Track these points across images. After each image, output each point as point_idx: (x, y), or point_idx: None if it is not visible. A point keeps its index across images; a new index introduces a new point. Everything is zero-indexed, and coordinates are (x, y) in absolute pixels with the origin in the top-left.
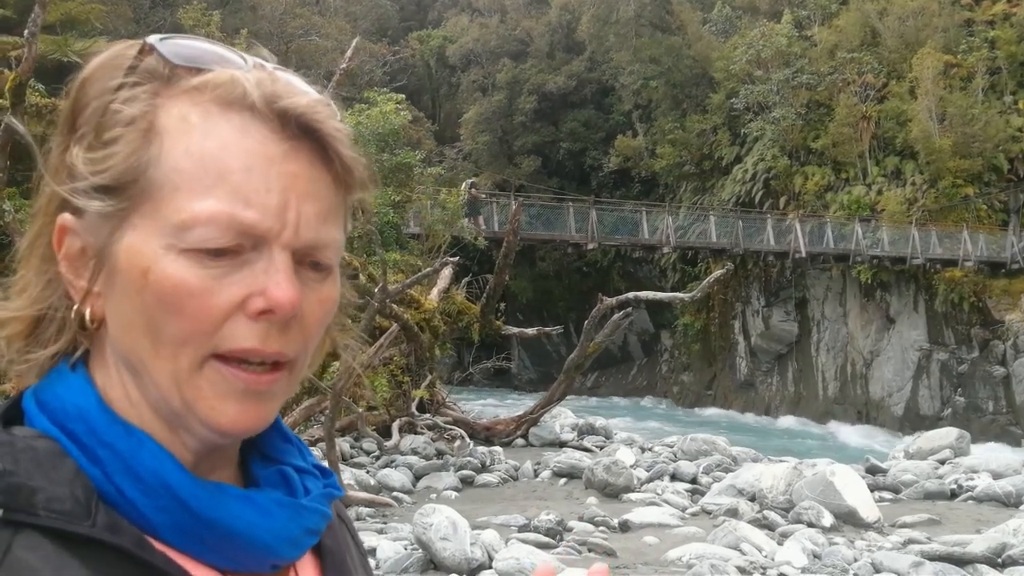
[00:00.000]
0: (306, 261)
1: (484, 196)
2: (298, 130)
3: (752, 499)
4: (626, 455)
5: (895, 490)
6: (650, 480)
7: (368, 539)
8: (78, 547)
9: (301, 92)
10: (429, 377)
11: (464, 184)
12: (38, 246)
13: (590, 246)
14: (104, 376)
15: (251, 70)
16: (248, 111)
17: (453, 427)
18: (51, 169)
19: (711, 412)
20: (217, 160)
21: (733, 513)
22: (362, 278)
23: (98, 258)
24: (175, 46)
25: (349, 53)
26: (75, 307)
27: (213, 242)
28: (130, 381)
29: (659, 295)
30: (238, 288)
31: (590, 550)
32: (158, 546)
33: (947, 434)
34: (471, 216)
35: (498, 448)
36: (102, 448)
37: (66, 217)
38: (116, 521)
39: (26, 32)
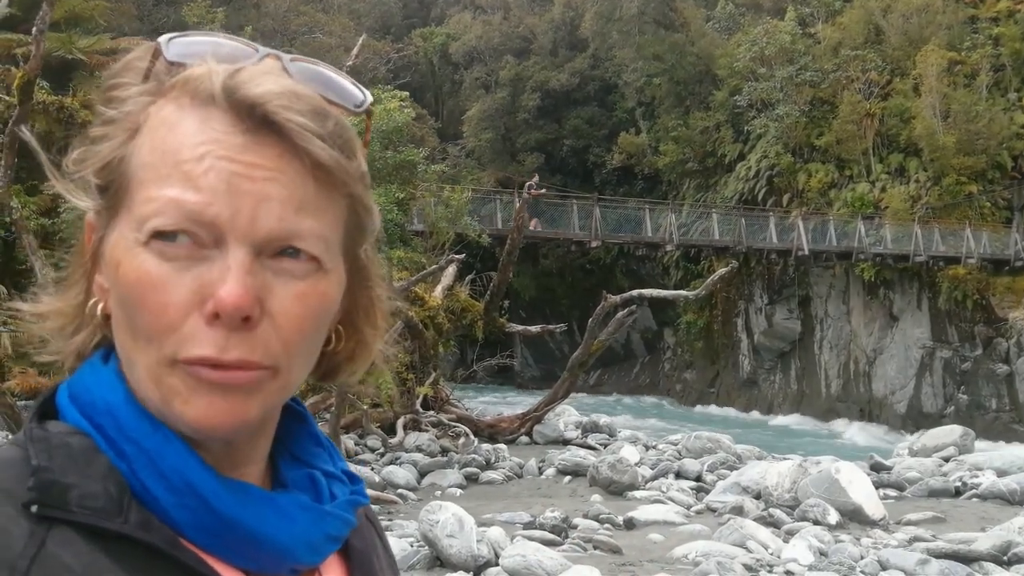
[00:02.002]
0: (280, 253)
1: (543, 191)
2: (257, 121)
3: (757, 497)
4: (630, 453)
5: (899, 487)
6: (655, 478)
7: None
8: (110, 544)
9: (266, 83)
10: (433, 374)
11: (526, 185)
12: (81, 246)
13: (593, 244)
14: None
15: (258, 62)
16: (212, 103)
17: (457, 424)
18: (64, 172)
19: (714, 410)
20: (176, 153)
21: (738, 511)
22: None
23: (101, 254)
24: (177, 44)
25: (356, 51)
26: (92, 300)
27: (162, 225)
28: (130, 375)
29: (663, 293)
30: (193, 283)
31: (596, 547)
32: (188, 545)
33: (951, 432)
34: (531, 217)
35: (502, 446)
36: (128, 443)
37: (90, 216)
38: (148, 519)
39: (34, 30)
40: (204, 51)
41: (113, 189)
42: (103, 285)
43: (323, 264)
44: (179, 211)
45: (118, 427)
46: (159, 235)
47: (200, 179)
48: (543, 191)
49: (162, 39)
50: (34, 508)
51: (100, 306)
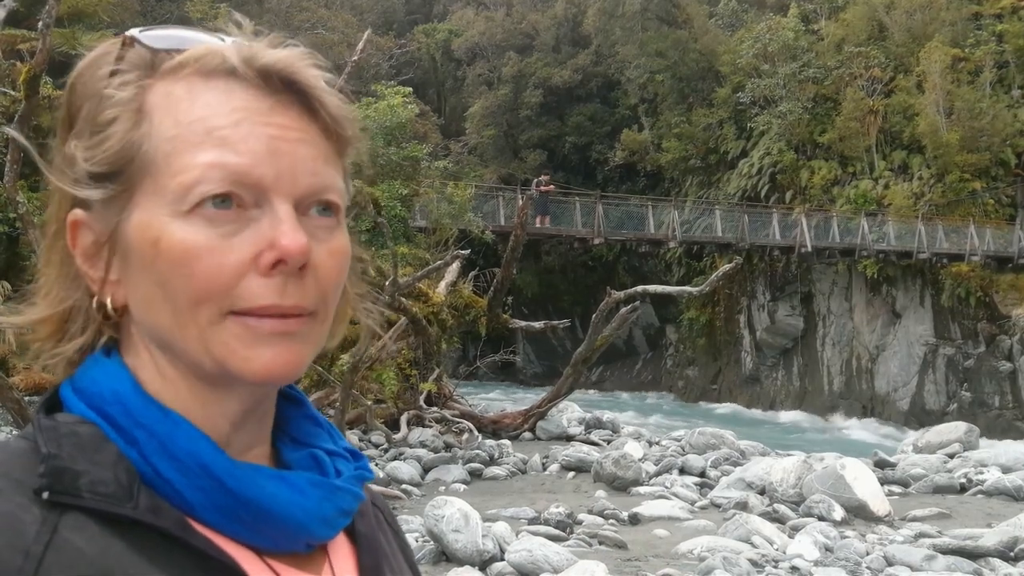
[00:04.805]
0: (312, 206)
1: (554, 188)
2: (281, 85)
3: (761, 492)
4: (634, 449)
5: (904, 484)
6: (658, 474)
7: None
8: (122, 528)
9: (276, 51)
10: (436, 371)
11: (534, 182)
12: (56, 248)
13: (596, 241)
14: (135, 360)
15: (242, 42)
16: (230, 75)
17: (461, 420)
18: (55, 170)
19: (716, 407)
20: (205, 121)
21: (743, 506)
22: (371, 272)
23: (110, 245)
24: (156, 34)
25: (360, 46)
26: (95, 298)
27: (210, 190)
28: (162, 359)
29: (667, 289)
30: (247, 246)
31: (601, 543)
32: (198, 528)
33: (956, 428)
34: (541, 214)
35: (506, 441)
36: (139, 430)
37: (76, 212)
38: (158, 503)
39: (40, 24)
40: (183, 38)
41: (129, 172)
42: (112, 279)
43: (341, 218)
44: (224, 173)
45: (128, 414)
46: (207, 200)
47: (240, 144)
48: (552, 187)
49: (132, 31)
50: (46, 494)
51: (108, 300)
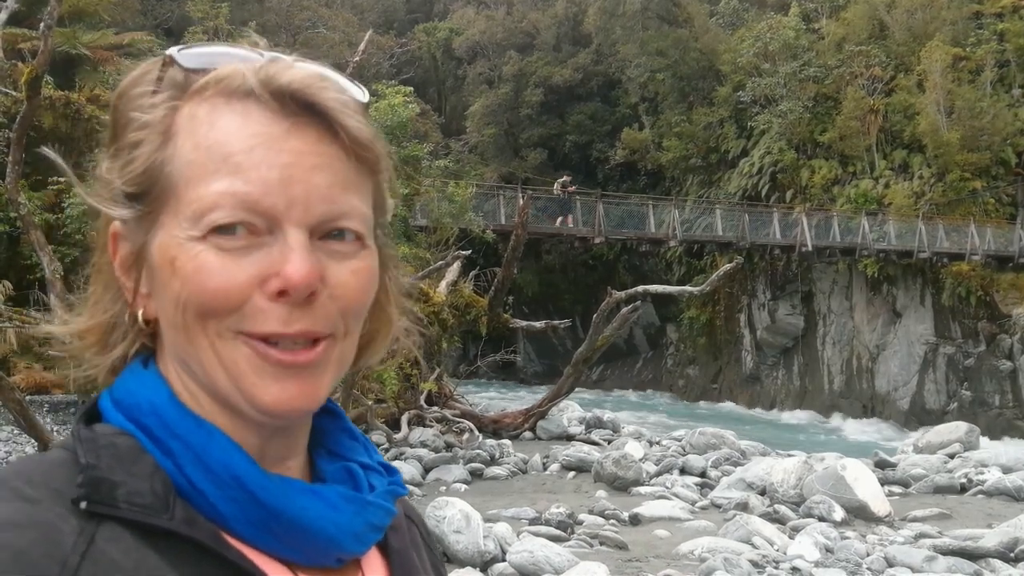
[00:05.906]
0: (329, 233)
1: (575, 188)
2: (298, 107)
3: (762, 493)
4: (635, 449)
5: (905, 484)
6: (659, 474)
7: None
8: (157, 540)
9: (298, 69)
10: (437, 370)
11: (556, 184)
12: (102, 262)
13: (596, 240)
14: (168, 373)
15: (264, 62)
16: (249, 97)
17: (461, 420)
18: (96, 186)
19: (717, 406)
20: (222, 146)
21: (743, 507)
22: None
23: (140, 260)
24: (191, 53)
25: (362, 46)
26: (130, 311)
27: (221, 219)
28: (184, 374)
29: (668, 288)
30: (255, 267)
31: (602, 543)
32: (231, 540)
33: (956, 428)
34: (563, 214)
35: (507, 441)
36: (174, 441)
37: (116, 225)
38: (193, 515)
39: (42, 25)
40: (218, 57)
41: (154, 193)
42: (143, 292)
43: (365, 241)
44: (235, 201)
45: (164, 425)
46: (218, 230)
47: (252, 171)
48: (574, 188)
49: (172, 50)
50: (83, 504)
51: (140, 312)
